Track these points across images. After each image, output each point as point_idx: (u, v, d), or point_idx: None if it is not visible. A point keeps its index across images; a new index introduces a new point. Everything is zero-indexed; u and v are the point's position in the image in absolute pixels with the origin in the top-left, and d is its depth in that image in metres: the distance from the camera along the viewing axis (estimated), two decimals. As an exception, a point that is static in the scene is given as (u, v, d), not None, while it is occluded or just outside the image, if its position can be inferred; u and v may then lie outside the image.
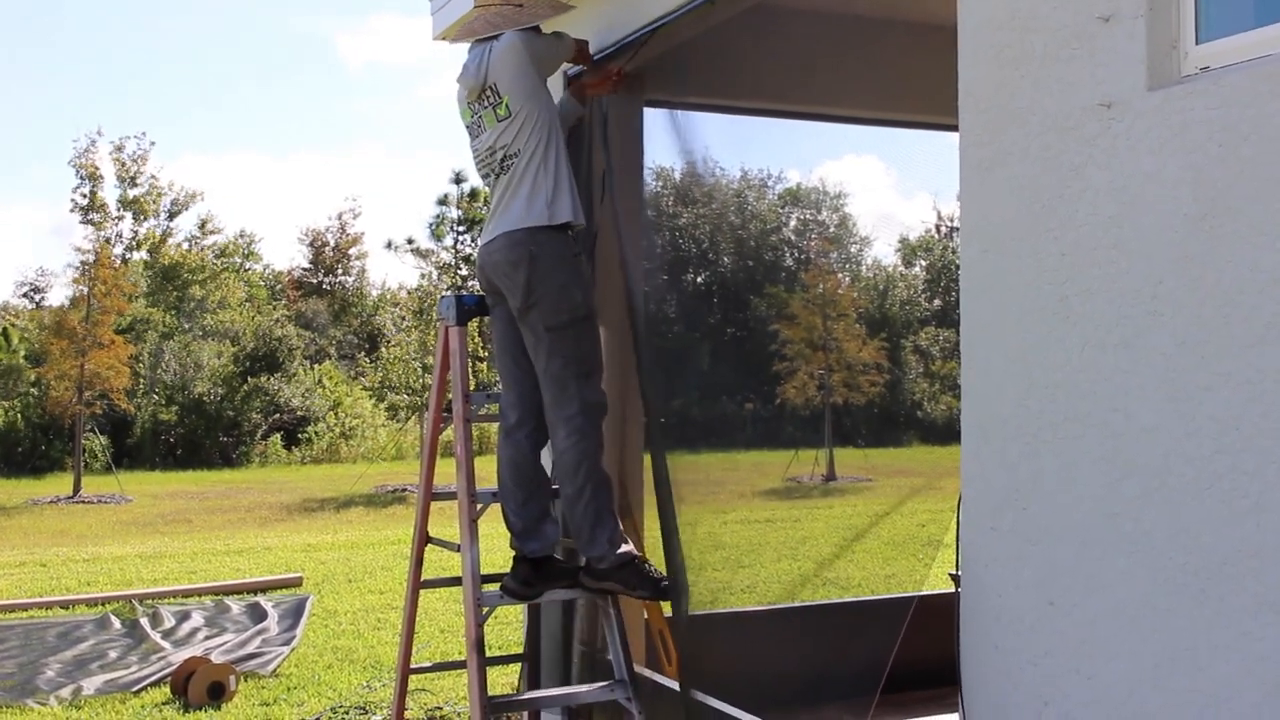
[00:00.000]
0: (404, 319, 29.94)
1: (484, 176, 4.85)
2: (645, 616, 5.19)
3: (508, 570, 4.90)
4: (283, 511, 22.06)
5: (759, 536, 16.06)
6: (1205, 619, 2.60)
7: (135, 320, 37.13)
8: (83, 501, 24.00)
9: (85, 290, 26.61)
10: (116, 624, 10.42)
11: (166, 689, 8.17)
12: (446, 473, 5.14)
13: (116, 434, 33.29)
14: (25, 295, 46.15)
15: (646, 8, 4.93)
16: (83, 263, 27.78)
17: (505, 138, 4.68)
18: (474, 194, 30.96)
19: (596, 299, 4.95)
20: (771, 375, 27.40)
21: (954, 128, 3.37)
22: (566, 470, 4.65)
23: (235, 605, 11.17)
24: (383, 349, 30.59)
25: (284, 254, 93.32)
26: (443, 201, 31.68)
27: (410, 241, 31.46)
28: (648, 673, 4.95)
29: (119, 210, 40.27)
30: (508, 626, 9.52)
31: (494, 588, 4.88)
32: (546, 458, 4.89)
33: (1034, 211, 3.06)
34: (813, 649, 5.99)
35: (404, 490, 24.95)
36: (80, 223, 31.62)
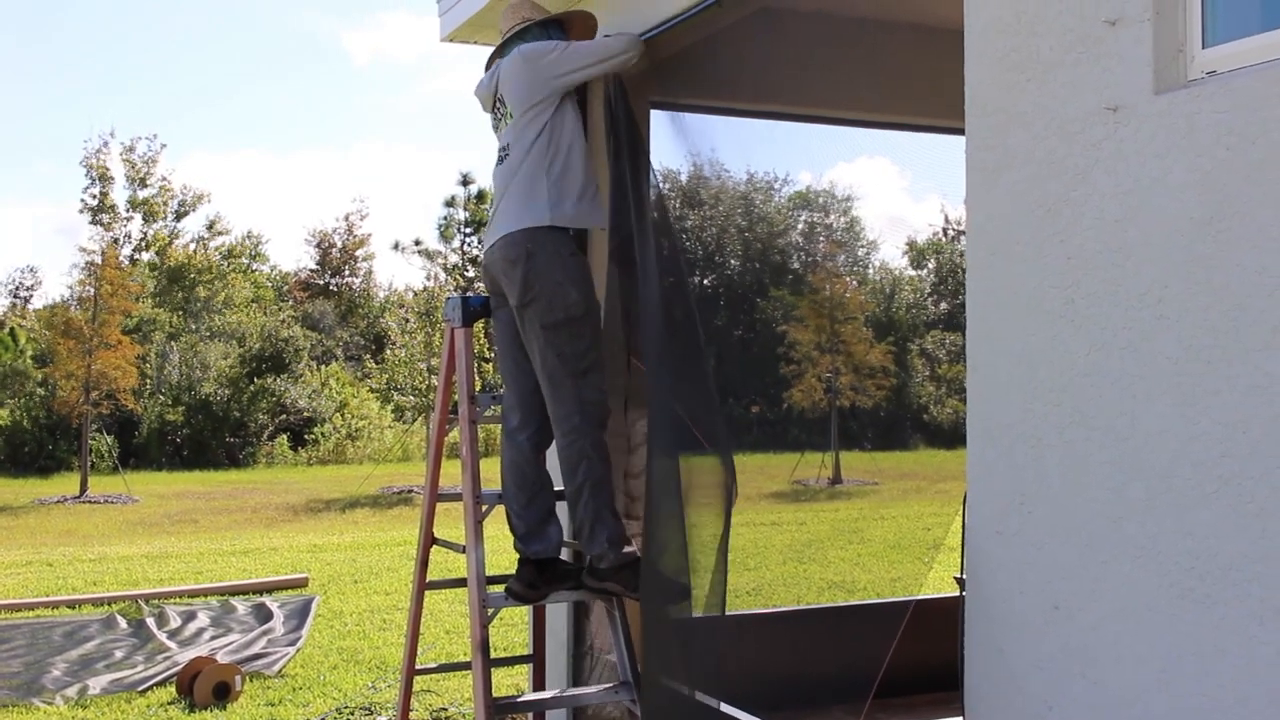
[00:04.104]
0: (409, 320, 29.95)
1: (495, 165, 4.96)
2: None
3: (513, 572, 4.91)
4: (289, 512, 22.09)
5: (765, 539, 16.08)
6: (1210, 624, 2.59)
7: (142, 321, 37.20)
8: (89, 501, 24.05)
9: (92, 290, 26.66)
10: (122, 624, 10.44)
11: (172, 689, 8.18)
12: (452, 474, 5.15)
13: (123, 434, 33.36)
14: (13, 294, 46.34)
15: (654, 10, 4.93)
16: (89, 263, 27.82)
17: (510, 138, 4.81)
18: (481, 196, 31.06)
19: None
20: (778, 378, 27.41)
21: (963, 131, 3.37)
22: (566, 469, 4.67)
23: (241, 605, 11.19)
24: (388, 350, 30.60)
25: (291, 255, 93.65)
26: (450, 203, 31.73)
27: (418, 243, 31.53)
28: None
29: (128, 211, 40.36)
30: (513, 628, 9.53)
31: (499, 589, 4.88)
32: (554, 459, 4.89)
33: (1039, 215, 3.06)
34: (817, 652, 5.99)
35: (410, 491, 24.97)
36: (90, 223, 31.70)
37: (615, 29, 5.24)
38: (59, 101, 70.66)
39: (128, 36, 77.25)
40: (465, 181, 31.94)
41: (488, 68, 5.10)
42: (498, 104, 4.90)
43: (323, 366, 41.62)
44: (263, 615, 10.76)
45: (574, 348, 4.61)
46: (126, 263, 37.09)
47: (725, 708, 4.41)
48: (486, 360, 25.18)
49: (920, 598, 6.53)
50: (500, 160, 4.85)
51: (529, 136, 4.70)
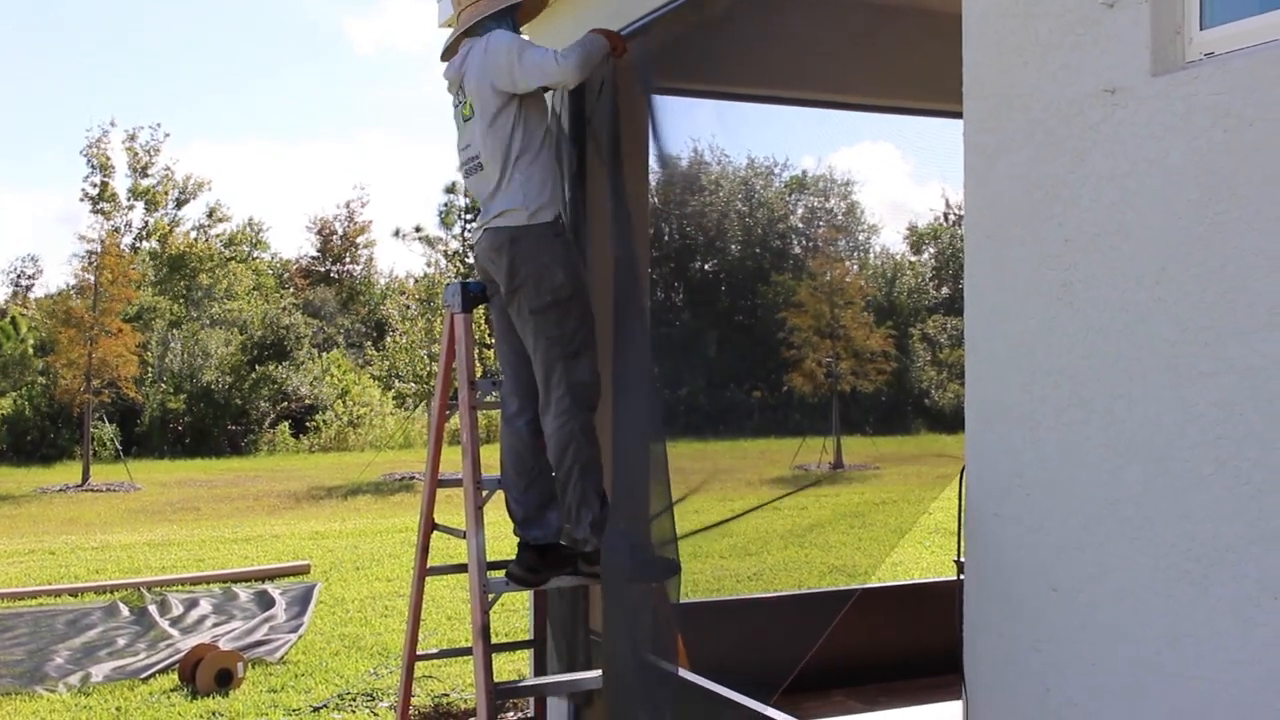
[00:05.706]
0: (409, 307, 29.94)
1: (463, 174, 4.92)
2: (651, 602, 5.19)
3: (514, 557, 4.91)
4: (290, 499, 22.11)
5: (766, 524, 16.07)
6: (1207, 605, 2.60)
7: (143, 309, 37.19)
8: (91, 489, 24.08)
9: (92, 279, 26.64)
10: (125, 611, 10.46)
11: (174, 676, 8.21)
12: (453, 460, 5.16)
13: (125, 422, 33.37)
14: (14, 283, 46.46)
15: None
16: (89, 251, 27.81)
17: (473, 139, 4.74)
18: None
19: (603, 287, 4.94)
20: (779, 363, 27.41)
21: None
22: (555, 452, 4.67)
23: (243, 593, 11.21)
24: (389, 337, 30.59)
25: (292, 242, 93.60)
26: (450, 189, 31.73)
27: (418, 229, 31.52)
28: (652, 659, 4.95)
29: (129, 200, 40.26)
30: (514, 614, 9.54)
31: (500, 574, 4.89)
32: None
33: (1037, 198, 3.06)
34: (816, 636, 6.00)
35: (411, 478, 24.98)
36: (90, 211, 31.62)
37: (616, 13, 5.22)
38: (63, 91, 70.67)
39: (133, 25, 77.18)
40: (465, 168, 31.87)
41: (452, 50, 4.95)
42: (460, 90, 4.78)
43: (324, 354, 41.61)
44: (265, 602, 10.78)
45: (562, 330, 4.61)
46: (128, 251, 37.00)
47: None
48: (487, 346, 25.17)
49: (894, 584, 6.53)
50: (468, 171, 4.79)
51: (499, 134, 4.63)
